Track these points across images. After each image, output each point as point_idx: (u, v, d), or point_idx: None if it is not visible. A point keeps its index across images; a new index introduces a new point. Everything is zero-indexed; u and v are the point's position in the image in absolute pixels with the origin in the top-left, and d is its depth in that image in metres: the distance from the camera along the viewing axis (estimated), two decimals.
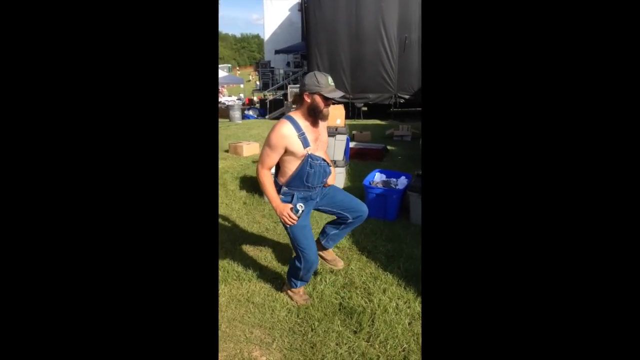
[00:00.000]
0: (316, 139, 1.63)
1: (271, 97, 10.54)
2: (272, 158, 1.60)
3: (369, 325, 1.70)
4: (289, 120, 1.58)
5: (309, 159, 1.60)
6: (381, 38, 8.21)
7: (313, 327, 1.70)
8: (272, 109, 9.91)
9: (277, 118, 9.39)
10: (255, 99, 12.94)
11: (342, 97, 1.67)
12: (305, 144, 1.58)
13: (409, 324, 1.72)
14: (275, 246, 2.52)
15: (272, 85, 11.38)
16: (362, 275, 2.13)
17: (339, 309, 1.83)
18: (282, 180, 1.67)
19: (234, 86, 17.90)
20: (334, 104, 1.66)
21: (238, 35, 58.85)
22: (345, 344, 1.61)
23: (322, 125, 1.67)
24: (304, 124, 1.58)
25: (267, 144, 1.58)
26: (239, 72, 28.68)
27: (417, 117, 8.08)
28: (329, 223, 1.94)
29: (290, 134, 1.55)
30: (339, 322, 1.73)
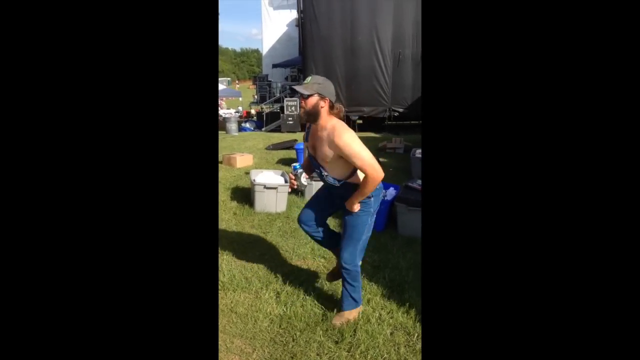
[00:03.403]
0: (312, 145, 1.72)
1: (268, 110, 10.65)
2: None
3: (350, 336, 1.70)
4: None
5: (306, 149, 1.84)
6: (375, 53, 8.37)
7: (294, 338, 1.70)
8: (268, 122, 9.98)
9: (274, 130, 9.52)
10: (252, 111, 13.06)
11: (301, 92, 1.62)
12: (306, 137, 1.80)
13: (391, 334, 1.72)
14: (262, 257, 2.52)
15: (269, 99, 11.52)
16: None
17: (322, 319, 1.83)
18: None
19: (233, 99, 18.08)
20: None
21: (238, 49, 59.75)
22: (326, 354, 1.60)
23: (322, 138, 1.63)
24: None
25: None
26: (238, 86, 28.99)
27: (410, 130, 8.18)
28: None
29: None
30: (321, 332, 1.73)
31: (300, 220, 1.94)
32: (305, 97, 1.58)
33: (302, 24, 8.93)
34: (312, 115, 1.61)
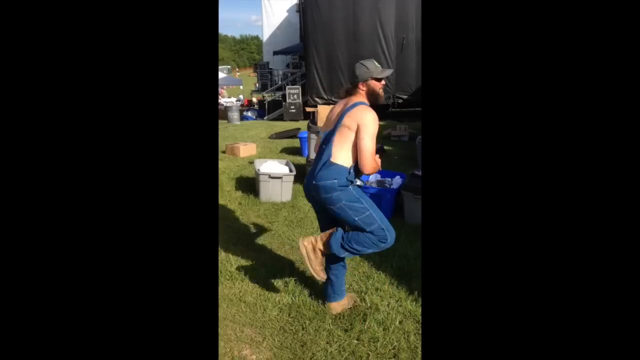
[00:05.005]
0: None
1: (269, 99, 10.55)
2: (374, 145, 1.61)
3: (360, 324, 1.70)
4: (365, 105, 1.64)
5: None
6: (379, 38, 8.21)
7: (304, 326, 1.71)
8: (270, 110, 9.90)
9: (276, 119, 9.46)
10: (254, 100, 12.96)
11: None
12: None
13: (400, 322, 1.72)
14: (269, 246, 2.52)
15: (271, 87, 11.39)
16: (354, 275, 2.14)
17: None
18: (350, 163, 1.63)
19: (233, 87, 17.94)
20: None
21: (237, 36, 58.95)
22: (336, 342, 1.61)
23: None
24: None
25: (370, 133, 1.57)
26: (238, 74, 28.74)
27: (415, 117, 8.08)
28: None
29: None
30: (330, 320, 1.73)
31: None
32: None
33: (303, 9, 8.75)
34: None
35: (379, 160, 1.71)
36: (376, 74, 1.64)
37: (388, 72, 1.68)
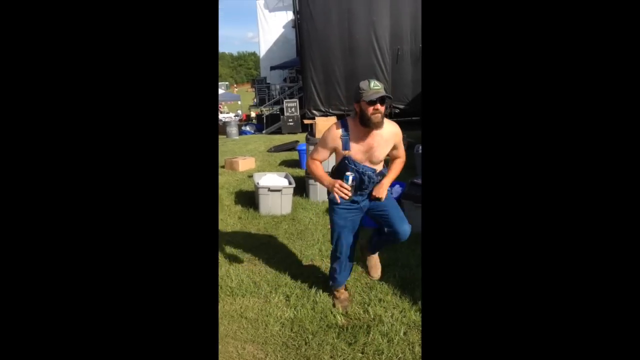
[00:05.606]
0: (366, 150, 1.68)
1: (267, 113, 10.63)
2: (322, 154, 1.79)
3: (364, 336, 1.67)
4: (340, 123, 1.74)
5: (346, 161, 1.70)
6: (374, 51, 8.34)
7: (307, 341, 1.67)
8: (269, 124, 9.97)
9: (274, 133, 9.51)
10: (252, 114, 13.06)
11: (384, 97, 1.55)
12: (345, 146, 1.69)
13: (404, 333, 1.69)
14: (269, 260, 2.50)
15: (269, 101, 11.51)
16: (357, 286, 2.11)
17: (334, 321, 1.80)
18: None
19: (232, 103, 18.14)
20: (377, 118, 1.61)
21: (235, 53, 59.81)
22: (340, 356, 1.57)
23: (379, 138, 1.67)
24: (353, 129, 1.69)
25: (320, 142, 1.79)
26: (236, 89, 29.09)
27: (412, 126, 8.12)
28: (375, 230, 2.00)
29: (337, 135, 1.70)
30: (334, 334, 1.70)
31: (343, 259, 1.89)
32: (383, 103, 1.57)
33: (299, 24, 8.90)
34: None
35: (315, 168, 1.78)
36: (365, 96, 1.55)
37: (375, 95, 1.52)
